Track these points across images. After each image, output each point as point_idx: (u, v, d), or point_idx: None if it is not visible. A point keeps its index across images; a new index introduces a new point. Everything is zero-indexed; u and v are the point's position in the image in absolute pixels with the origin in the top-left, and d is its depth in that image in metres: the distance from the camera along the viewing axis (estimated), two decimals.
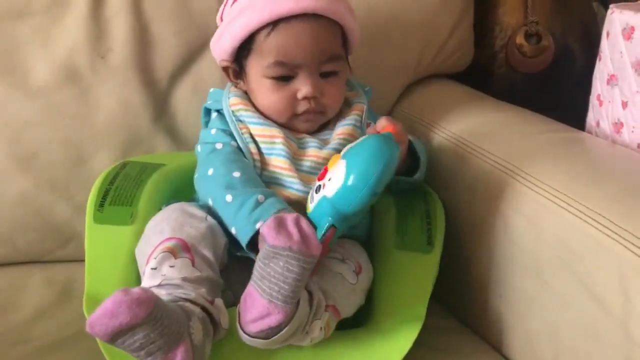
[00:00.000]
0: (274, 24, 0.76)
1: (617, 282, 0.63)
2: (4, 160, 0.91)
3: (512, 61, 1.19)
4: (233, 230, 0.72)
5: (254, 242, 0.70)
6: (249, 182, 0.74)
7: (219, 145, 0.78)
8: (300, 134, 0.81)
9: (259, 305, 0.60)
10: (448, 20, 1.09)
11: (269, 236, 0.59)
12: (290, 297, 0.60)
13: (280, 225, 0.60)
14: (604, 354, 0.65)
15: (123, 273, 0.73)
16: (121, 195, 0.80)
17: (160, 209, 0.77)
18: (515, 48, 1.18)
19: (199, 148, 0.81)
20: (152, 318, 0.56)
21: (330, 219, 0.66)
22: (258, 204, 0.71)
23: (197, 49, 0.97)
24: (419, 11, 1.06)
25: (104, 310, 0.55)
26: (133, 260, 0.73)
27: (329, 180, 0.66)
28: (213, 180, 0.75)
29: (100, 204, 0.78)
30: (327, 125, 0.83)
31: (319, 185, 0.68)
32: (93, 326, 0.55)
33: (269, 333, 0.61)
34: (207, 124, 0.85)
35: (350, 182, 0.64)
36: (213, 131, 0.81)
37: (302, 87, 0.78)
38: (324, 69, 0.79)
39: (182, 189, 0.84)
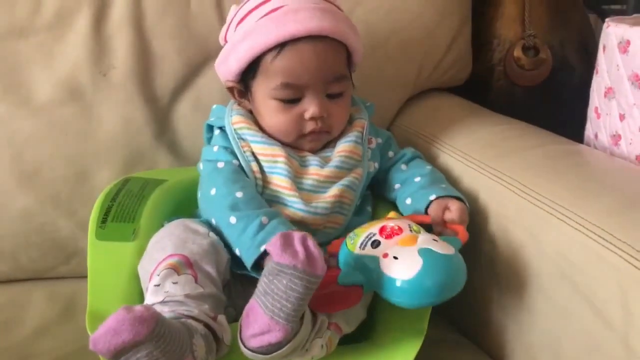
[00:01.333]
0: (280, 46, 0.76)
1: (618, 295, 0.64)
2: (6, 176, 0.92)
3: (510, 74, 1.19)
4: (237, 252, 0.72)
5: (258, 263, 0.70)
6: (252, 201, 0.74)
7: (220, 164, 0.79)
8: (302, 152, 0.81)
9: (261, 321, 0.60)
10: (446, 34, 1.10)
11: (275, 253, 0.59)
12: (292, 316, 0.60)
13: (287, 242, 0.60)
14: None
15: (126, 290, 0.73)
16: (123, 211, 0.80)
17: (162, 225, 0.77)
18: (513, 61, 1.18)
19: (201, 166, 0.81)
20: (155, 336, 0.56)
21: (364, 281, 0.65)
22: (262, 226, 0.71)
23: (198, 65, 0.98)
24: (417, 26, 1.07)
25: (106, 328, 0.55)
26: (136, 277, 0.73)
27: (395, 258, 0.64)
28: (216, 201, 0.75)
29: (103, 220, 0.79)
30: (329, 142, 0.83)
31: (378, 241, 0.67)
32: (96, 344, 0.55)
33: (269, 349, 0.61)
34: (209, 140, 0.85)
35: (414, 290, 0.63)
36: (215, 148, 0.81)
37: (310, 108, 0.78)
38: (330, 90, 0.79)
39: (185, 205, 0.84)
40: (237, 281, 0.74)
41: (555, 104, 1.21)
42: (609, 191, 0.74)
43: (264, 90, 0.79)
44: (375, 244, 0.67)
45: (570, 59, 1.21)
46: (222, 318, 0.66)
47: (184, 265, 0.68)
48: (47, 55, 0.93)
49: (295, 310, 0.60)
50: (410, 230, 0.68)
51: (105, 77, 0.94)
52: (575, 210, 0.71)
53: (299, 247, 0.60)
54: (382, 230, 0.68)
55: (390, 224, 0.69)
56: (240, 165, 0.79)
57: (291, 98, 0.78)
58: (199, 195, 0.79)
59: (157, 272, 0.68)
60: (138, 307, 0.56)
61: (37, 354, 0.80)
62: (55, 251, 0.94)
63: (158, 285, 0.67)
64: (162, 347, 0.56)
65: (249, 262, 0.70)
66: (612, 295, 0.64)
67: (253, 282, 0.72)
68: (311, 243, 0.60)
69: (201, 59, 0.98)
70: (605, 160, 0.87)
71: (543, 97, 1.19)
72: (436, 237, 0.68)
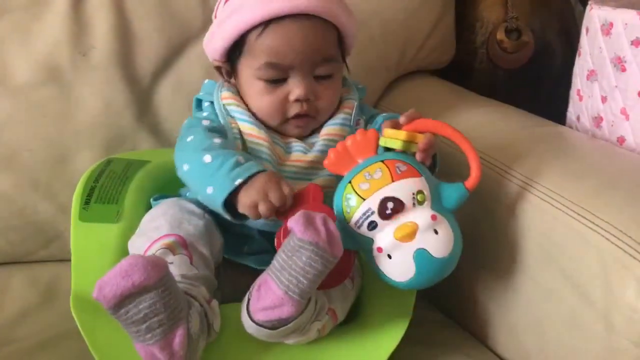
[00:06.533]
0: (265, 24, 0.74)
1: (600, 274, 0.65)
2: None
3: (493, 57, 1.20)
4: (209, 190, 0.68)
5: (230, 204, 0.68)
6: (228, 148, 0.72)
7: (205, 122, 0.76)
8: (288, 138, 0.78)
9: (274, 295, 0.60)
10: (429, 16, 1.10)
11: (298, 229, 0.59)
12: (307, 293, 0.60)
13: (309, 220, 0.60)
14: (587, 345, 0.66)
15: None
16: (107, 192, 0.79)
17: (149, 204, 0.76)
18: (495, 44, 1.19)
19: (185, 122, 0.79)
20: (163, 284, 0.56)
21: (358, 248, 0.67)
22: (238, 164, 0.69)
23: (179, 46, 0.96)
24: (400, 8, 1.07)
25: (117, 270, 0.55)
26: (120, 258, 0.72)
27: (389, 257, 0.65)
28: (191, 145, 0.73)
29: (86, 201, 0.78)
30: (316, 128, 0.80)
31: (374, 223, 0.65)
32: (103, 287, 0.55)
33: (275, 324, 0.61)
34: None
35: (402, 286, 0.66)
36: (205, 114, 0.79)
37: (295, 89, 0.75)
38: (318, 71, 0.76)
39: (167, 186, 0.83)
40: (227, 266, 0.74)
41: (537, 86, 1.22)
42: (592, 172, 0.75)
43: (249, 70, 0.77)
44: (372, 226, 0.65)
45: (552, 42, 1.22)
46: (215, 304, 0.65)
47: (179, 246, 0.68)
48: (24, 34, 0.91)
49: (311, 288, 0.60)
50: (413, 200, 0.65)
51: (84, 57, 0.92)
52: (559, 191, 0.72)
53: (320, 226, 0.60)
54: (385, 214, 0.64)
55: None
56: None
57: (276, 78, 0.75)
58: (175, 149, 0.76)
59: (152, 251, 0.67)
60: (149, 255, 0.56)
61: (18, 339, 0.79)
62: (35, 235, 0.93)
63: None
64: (166, 299, 0.56)
65: (222, 195, 0.67)
66: (594, 274, 0.65)
67: (243, 267, 0.71)
68: (332, 224, 0.61)
69: (182, 40, 0.96)
70: (587, 141, 0.88)
71: (525, 79, 1.20)
72: (437, 222, 0.65)
